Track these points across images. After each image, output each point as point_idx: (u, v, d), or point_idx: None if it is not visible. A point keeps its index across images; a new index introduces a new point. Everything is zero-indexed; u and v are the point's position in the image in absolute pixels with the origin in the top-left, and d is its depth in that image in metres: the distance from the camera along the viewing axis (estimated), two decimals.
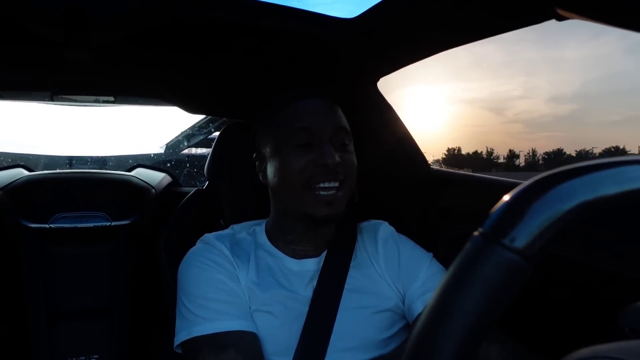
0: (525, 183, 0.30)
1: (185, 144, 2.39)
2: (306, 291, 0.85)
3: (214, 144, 1.18)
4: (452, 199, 1.22)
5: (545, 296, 0.91)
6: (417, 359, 0.29)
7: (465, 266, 0.29)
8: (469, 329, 0.28)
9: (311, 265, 0.89)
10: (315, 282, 0.86)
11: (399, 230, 0.99)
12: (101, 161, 2.24)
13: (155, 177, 1.68)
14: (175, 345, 0.81)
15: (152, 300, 1.42)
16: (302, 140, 0.83)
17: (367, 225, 0.99)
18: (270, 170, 0.89)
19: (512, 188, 0.30)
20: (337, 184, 0.83)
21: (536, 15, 0.76)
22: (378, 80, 1.19)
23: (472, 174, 1.28)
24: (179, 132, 2.38)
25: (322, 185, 0.82)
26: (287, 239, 0.91)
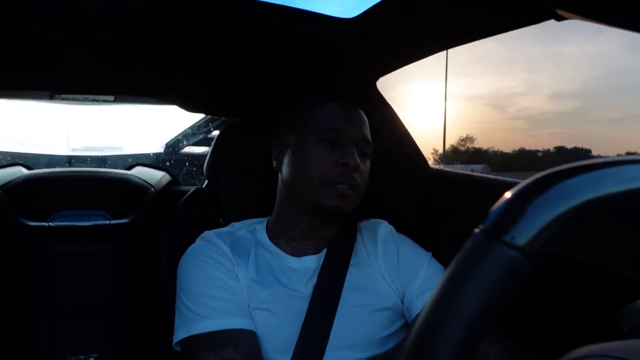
0: (527, 180, 0.30)
1: (185, 142, 2.39)
2: (306, 289, 0.86)
3: (213, 143, 1.18)
4: (451, 199, 1.22)
5: (544, 296, 0.91)
6: (416, 357, 0.29)
7: (466, 263, 0.29)
8: (469, 326, 0.28)
9: (311, 263, 0.89)
10: (315, 280, 0.86)
11: (399, 229, 0.99)
12: (100, 160, 2.24)
13: (155, 176, 1.68)
14: (174, 343, 0.82)
15: (151, 298, 1.42)
16: (330, 137, 0.86)
17: (366, 224, 1.00)
18: (289, 159, 0.90)
19: (511, 187, 0.30)
20: (350, 187, 0.85)
21: (535, 15, 0.76)
22: (377, 79, 1.20)
23: (471, 173, 1.28)
24: (179, 131, 2.38)
25: (338, 185, 0.85)
26: (289, 235, 0.91)
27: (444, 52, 1.03)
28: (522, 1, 0.76)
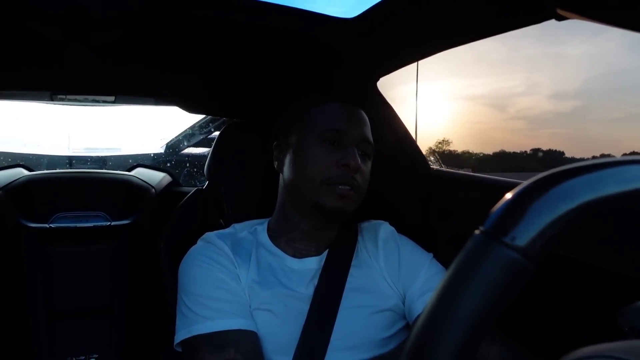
0: (527, 182, 0.30)
1: (186, 143, 2.39)
2: (307, 289, 0.86)
3: (214, 144, 1.18)
4: (452, 199, 1.22)
5: (545, 296, 0.91)
6: (417, 358, 0.29)
7: (466, 264, 0.29)
8: (469, 327, 0.28)
9: (312, 264, 0.89)
10: (316, 281, 0.86)
11: (399, 230, 0.99)
12: (101, 161, 2.25)
13: (155, 177, 1.68)
14: (175, 344, 0.82)
15: (151, 299, 1.42)
16: (331, 138, 0.86)
17: (367, 225, 1.00)
18: (290, 159, 0.90)
19: (512, 188, 0.30)
20: (351, 188, 0.85)
21: (536, 15, 0.76)
22: (378, 80, 1.20)
23: (472, 173, 1.28)
24: (179, 132, 2.38)
25: (339, 186, 0.84)
26: (290, 237, 0.91)
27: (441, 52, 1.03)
28: (522, 1, 0.76)
